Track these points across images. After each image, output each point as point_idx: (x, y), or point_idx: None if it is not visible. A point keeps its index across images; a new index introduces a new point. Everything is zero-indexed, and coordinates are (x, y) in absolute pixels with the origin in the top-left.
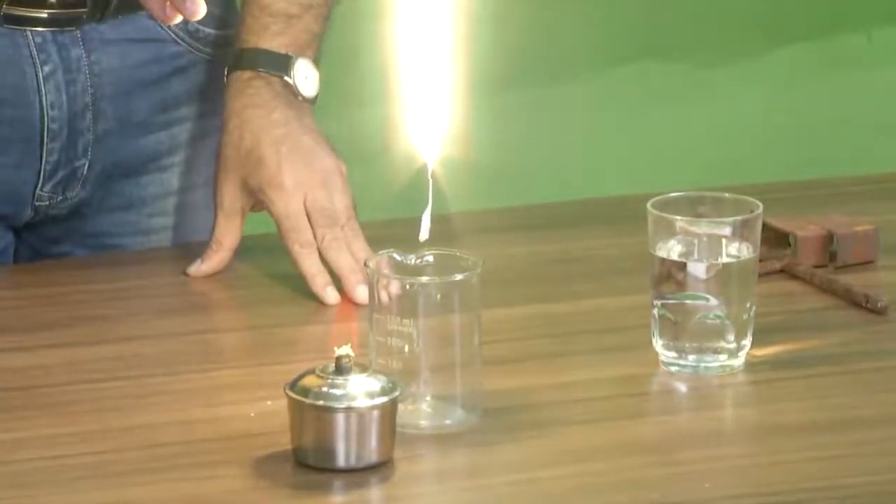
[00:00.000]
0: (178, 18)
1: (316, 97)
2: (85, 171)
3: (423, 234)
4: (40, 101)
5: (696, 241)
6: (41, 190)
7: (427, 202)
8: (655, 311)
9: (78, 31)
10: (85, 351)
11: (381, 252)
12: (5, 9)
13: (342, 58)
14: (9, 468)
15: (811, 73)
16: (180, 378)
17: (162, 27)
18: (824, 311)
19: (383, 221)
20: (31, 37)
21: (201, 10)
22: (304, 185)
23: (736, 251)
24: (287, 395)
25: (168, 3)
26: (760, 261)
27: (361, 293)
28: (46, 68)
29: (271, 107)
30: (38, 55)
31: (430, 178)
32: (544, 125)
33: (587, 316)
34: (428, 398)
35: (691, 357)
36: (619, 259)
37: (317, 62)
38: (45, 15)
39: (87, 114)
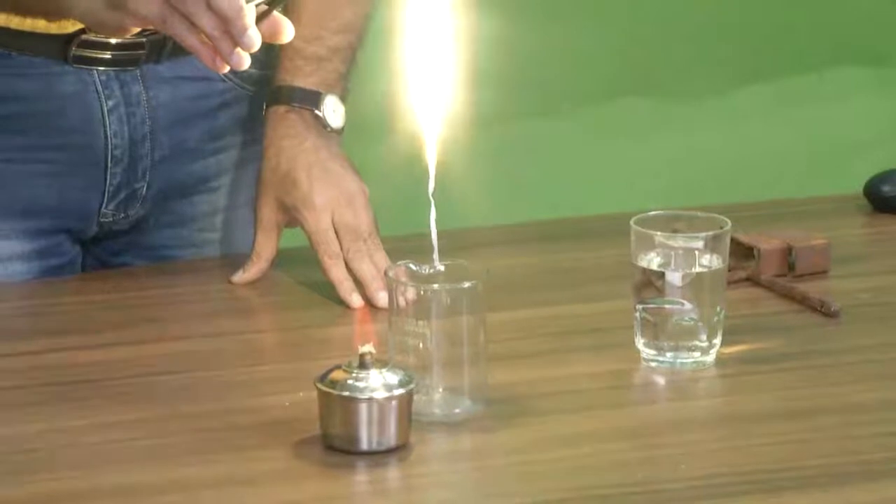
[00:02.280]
0: (227, 68)
1: (343, 128)
2: (143, 192)
3: (435, 258)
4: (105, 131)
5: (672, 254)
6: (105, 208)
7: (432, 231)
8: (637, 314)
9: (137, 70)
10: (143, 348)
11: (398, 262)
12: (74, 51)
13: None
14: (76, 450)
15: (772, 108)
16: (225, 372)
17: None
18: (784, 315)
19: (400, 236)
20: (96, 75)
21: (246, 62)
22: (332, 204)
23: (707, 262)
24: (317, 387)
25: (218, 57)
26: (729, 270)
27: (382, 298)
28: (110, 102)
29: (304, 137)
30: (102, 91)
31: (433, 208)
32: (540, 153)
33: (578, 318)
34: (439, 390)
35: (669, 354)
36: (606, 269)
37: (344, 98)
38: (108, 56)
39: (146, 142)
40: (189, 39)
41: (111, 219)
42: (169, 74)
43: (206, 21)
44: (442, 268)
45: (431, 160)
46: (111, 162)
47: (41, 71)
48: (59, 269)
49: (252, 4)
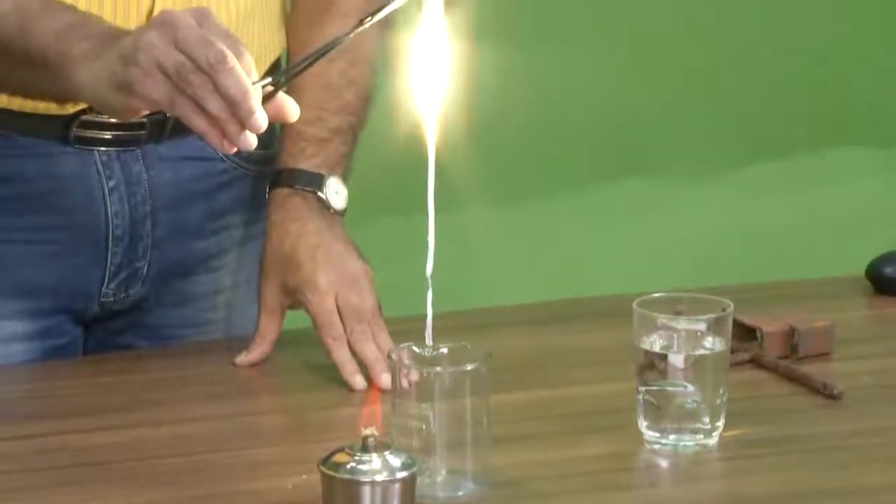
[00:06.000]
0: (235, 150)
1: (345, 209)
2: (144, 272)
3: (428, 340)
4: (106, 211)
5: (675, 336)
6: (106, 288)
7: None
8: (640, 397)
9: (138, 150)
10: (145, 431)
11: (402, 344)
12: (75, 131)
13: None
14: None
15: (774, 189)
16: (228, 454)
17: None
18: (787, 397)
19: (403, 318)
20: (97, 155)
21: (254, 143)
22: (335, 286)
23: (710, 344)
24: (320, 469)
25: (226, 140)
26: (731, 352)
27: (385, 380)
28: (111, 182)
29: (307, 219)
30: (104, 171)
31: (429, 291)
32: (542, 235)
33: (581, 400)
34: (443, 472)
35: (671, 436)
36: (608, 350)
37: (346, 179)
38: (109, 136)
39: (147, 221)
40: (196, 122)
41: (112, 298)
42: (170, 154)
43: (214, 104)
44: (445, 350)
45: (431, 242)
46: (112, 241)
47: (42, 152)
48: (61, 350)
49: (258, 85)
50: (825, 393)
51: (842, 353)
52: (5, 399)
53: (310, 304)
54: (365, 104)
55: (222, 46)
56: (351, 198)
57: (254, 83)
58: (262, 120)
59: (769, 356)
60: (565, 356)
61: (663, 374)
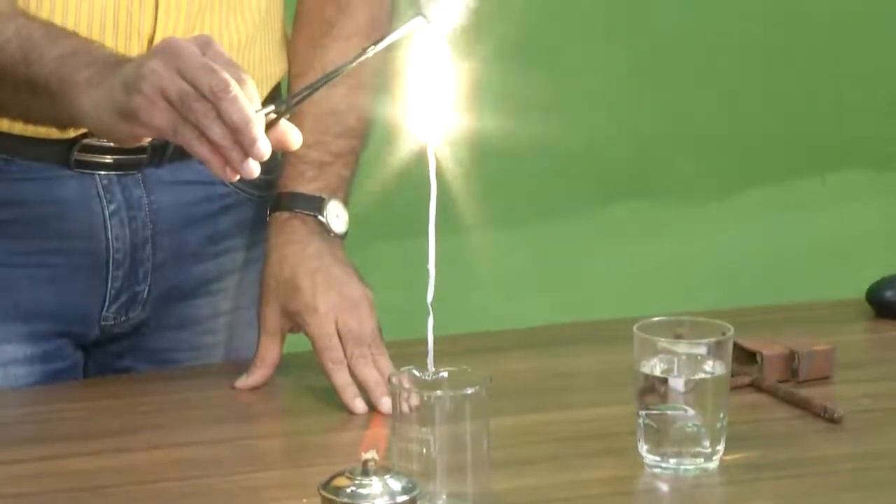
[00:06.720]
0: (237, 177)
1: (346, 233)
2: (145, 295)
3: (430, 367)
4: (106, 235)
5: (675, 360)
6: (107, 311)
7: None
8: (640, 420)
9: (139, 174)
10: (145, 455)
11: (402, 368)
12: (76, 155)
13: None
14: None
15: (774, 212)
16: (227, 479)
17: None
18: (788, 421)
19: (404, 341)
20: (98, 179)
21: (256, 171)
22: (335, 309)
23: (710, 368)
24: (320, 494)
25: (229, 167)
26: (732, 376)
27: (385, 404)
28: (112, 206)
29: (307, 242)
30: (104, 195)
31: (430, 317)
32: (541, 258)
33: (581, 424)
34: (443, 496)
35: (672, 460)
36: (609, 374)
37: (347, 202)
38: (110, 160)
39: (147, 245)
40: (199, 149)
41: (112, 322)
42: (170, 178)
43: (217, 131)
44: (445, 373)
45: (432, 269)
46: (112, 265)
47: (42, 175)
48: (62, 373)
49: (261, 113)
50: (825, 417)
51: (842, 376)
52: (5, 423)
53: (310, 328)
54: (367, 128)
55: (225, 74)
56: (352, 221)
57: (257, 111)
58: (264, 148)
59: (769, 380)
60: (566, 380)
61: (664, 397)
